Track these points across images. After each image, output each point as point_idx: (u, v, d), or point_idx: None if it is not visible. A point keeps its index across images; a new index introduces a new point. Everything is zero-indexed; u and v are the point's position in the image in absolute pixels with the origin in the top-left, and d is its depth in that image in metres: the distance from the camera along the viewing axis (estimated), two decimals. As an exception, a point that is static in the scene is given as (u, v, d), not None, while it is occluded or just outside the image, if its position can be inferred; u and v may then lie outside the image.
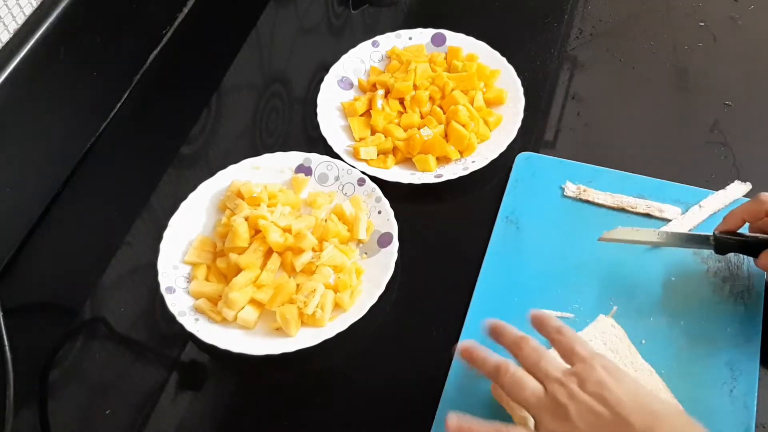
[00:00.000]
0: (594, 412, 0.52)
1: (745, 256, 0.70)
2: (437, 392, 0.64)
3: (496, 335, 0.60)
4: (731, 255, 0.70)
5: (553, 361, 0.56)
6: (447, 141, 0.80)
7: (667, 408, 0.54)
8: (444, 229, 0.77)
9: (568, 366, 0.56)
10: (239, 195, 0.76)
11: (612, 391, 0.52)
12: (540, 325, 0.59)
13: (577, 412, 0.52)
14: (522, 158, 0.80)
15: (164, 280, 0.71)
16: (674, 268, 0.70)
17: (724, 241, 0.67)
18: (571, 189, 0.77)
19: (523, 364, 0.57)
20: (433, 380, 0.65)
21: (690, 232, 0.67)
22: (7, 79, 0.71)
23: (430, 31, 0.91)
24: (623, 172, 0.78)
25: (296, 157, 0.80)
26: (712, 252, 0.70)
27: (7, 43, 0.72)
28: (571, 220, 0.75)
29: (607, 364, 0.55)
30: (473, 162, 0.79)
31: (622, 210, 0.75)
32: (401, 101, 0.84)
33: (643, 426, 0.51)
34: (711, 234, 0.68)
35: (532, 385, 0.55)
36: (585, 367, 0.54)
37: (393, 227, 0.73)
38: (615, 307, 0.67)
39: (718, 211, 0.73)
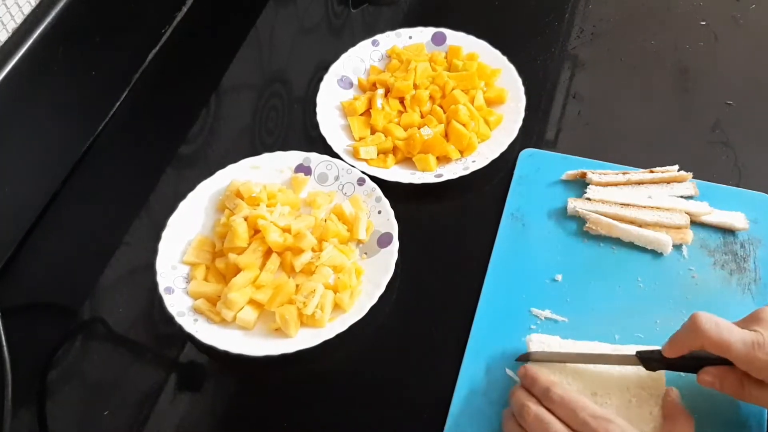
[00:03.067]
0: None
1: (752, 249, 0.71)
2: (438, 393, 0.64)
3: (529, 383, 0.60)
4: (738, 247, 0.71)
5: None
6: (447, 140, 0.80)
7: None
8: (444, 228, 0.77)
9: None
10: (238, 195, 0.75)
11: None
12: (530, 385, 0.59)
13: None
14: (525, 155, 0.80)
15: (163, 281, 0.70)
16: (680, 262, 0.71)
17: (648, 359, 0.60)
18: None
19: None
20: (434, 381, 0.65)
21: (615, 354, 0.61)
22: (5, 78, 0.70)
23: (431, 30, 0.90)
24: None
25: (296, 157, 0.80)
26: (719, 245, 0.71)
27: (6, 43, 0.72)
28: (578, 215, 0.74)
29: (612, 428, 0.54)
30: (474, 162, 0.78)
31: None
32: (401, 100, 0.84)
33: None
34: (635, 354, 0.60)
35: None
36: None
37: (393, 227, 0.73)
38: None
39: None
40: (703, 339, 0.55)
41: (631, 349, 0.62)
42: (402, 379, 0.67)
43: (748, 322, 0.57)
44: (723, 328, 0.55)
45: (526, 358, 0.63)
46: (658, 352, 0.59)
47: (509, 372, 0.64)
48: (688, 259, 0.71)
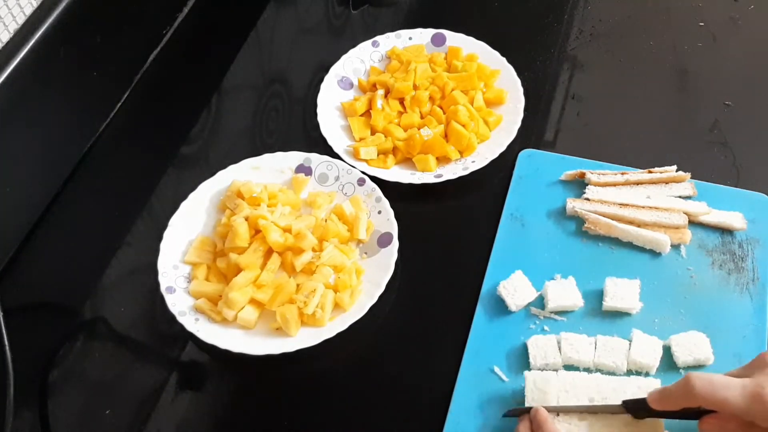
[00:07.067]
0: None
1: (750, 248, 0.71)
2: (438, 392, 0.65)
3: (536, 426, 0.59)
4: (736, 247, 0.71)
5: None
6: (447, 141, 0.80)
7: None
8: (444, 228, 0.77)
9: None
10: (239, 195, 0.76)
11: None
12: (535, 430, 0.58)
13: None
14: (525, 155, 0.80)
15: (164, 280, 0.71)
16: (679, 262, 0.71)
17: (635, 408, 0.59)
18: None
19: None
20: (434, 380, 0.66)
21: (601, 405, 0.60)
22: (7, 78, 0.71)
23: (430, 31, 0.91)
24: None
25: (296, 157, 0.80)
26: (717, 244, 0.71)
27: (7, 43, 0.72)
28: (577, 215, 0.75)
29: None
30: (473, 162, 0.79)
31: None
32: (401, 101, 0.85)
33: None
34: (621, 403, 0.59)
35: None
36: None
37: (393, 227, 0.73)
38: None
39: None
40: (699, 400, 0.53)
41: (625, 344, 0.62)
42: (402, 378, 0.67)
43: (751, 368, 0.54)
44: (718, 386, 0.52)
45: (516, 413, 0.61)
46: (644, 401, 0.57)
47: (497, 370, 0.65)
48: (686, 258, 0.71)
